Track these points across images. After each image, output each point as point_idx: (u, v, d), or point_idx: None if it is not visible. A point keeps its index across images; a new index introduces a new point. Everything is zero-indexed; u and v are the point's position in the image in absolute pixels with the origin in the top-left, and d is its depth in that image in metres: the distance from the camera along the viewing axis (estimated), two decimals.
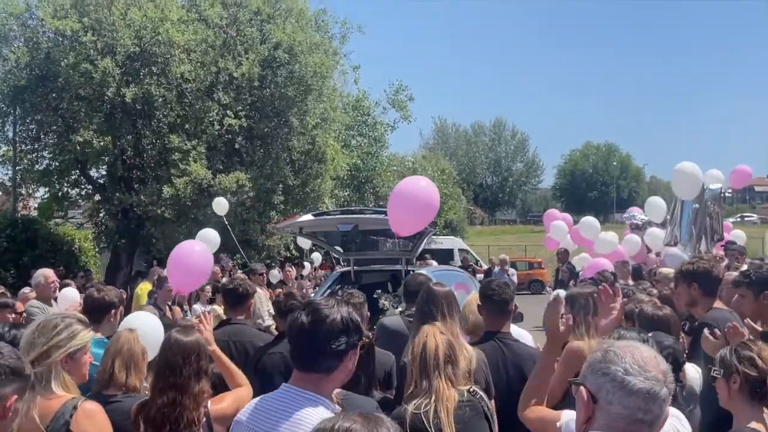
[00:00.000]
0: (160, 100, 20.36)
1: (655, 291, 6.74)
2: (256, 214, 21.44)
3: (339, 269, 10.58)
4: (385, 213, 8.00)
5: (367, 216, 9.10)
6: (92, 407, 3.25)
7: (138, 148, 21.66)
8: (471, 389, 3.64)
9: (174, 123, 20.55)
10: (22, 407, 2.58)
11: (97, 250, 25.29)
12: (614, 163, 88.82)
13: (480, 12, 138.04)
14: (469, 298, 5.34)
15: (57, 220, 24.14)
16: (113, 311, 5.20)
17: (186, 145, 19.98)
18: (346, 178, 31.74)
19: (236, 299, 5.82)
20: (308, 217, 9.22)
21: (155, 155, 21.17)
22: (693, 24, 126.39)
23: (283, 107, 20.81)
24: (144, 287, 11.57)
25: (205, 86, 20.85)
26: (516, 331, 5.04)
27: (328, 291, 9.21)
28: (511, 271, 23.14)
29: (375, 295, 7.90)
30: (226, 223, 16.92)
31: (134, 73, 20.64)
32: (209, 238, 12.77)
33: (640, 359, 2.06)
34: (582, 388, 2.11)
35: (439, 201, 7.78)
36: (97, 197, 23.16)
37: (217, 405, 3.66)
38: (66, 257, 22.17)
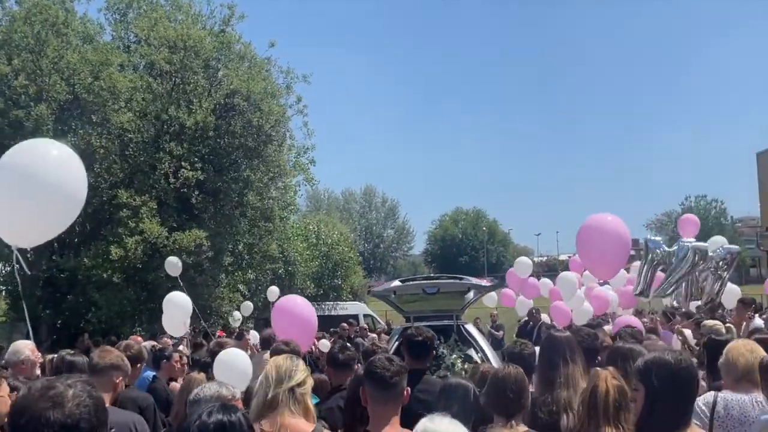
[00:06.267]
0: (101, 151, 18.19)
1: None
2: (210, 277, 19.39)
3: (401, 326, 11.34)
4: (459, 278, 10.31)
5: (445, 281, 10.70)
6: None
7: None
8: None
9: (118, 177, 18.37)
10: None
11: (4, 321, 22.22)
12: (483, 228, 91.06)
13: (340, 76, 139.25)
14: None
15: None
16: None
17: (135, 200, 17.84)
18: None
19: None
20: (397, 283, 10.72)
21: (92, 213, 18.76)
22: (553, 96, 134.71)
23: (241, 158, 19.19)
24: None
25: (150, 137, 18.90)
26: None
27: (396, 343, 10.02)
28: None
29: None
30: (182, 285, 15.12)
31: (69, 121, 18.40)
32: (180, 302, 11.21)
33: None
34: None
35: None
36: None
37: None
38: None
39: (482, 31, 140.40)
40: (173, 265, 15.05)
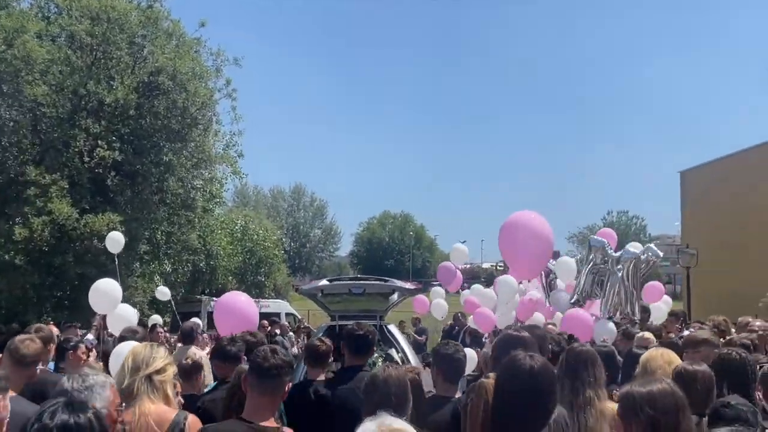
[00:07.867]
0: (11, 125, 16.92)
1: None
2: (123, 265, 18.22)
3: (326, 323, 11.55)
4: (384, 280, 10.66)
5: (372, 282, 10.99)
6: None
7: None
8: None
9: (28, 154, 17.09)
10: None
11: None
12: (410, 233, 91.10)
13: (272, 70, 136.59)
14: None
15: None
16: None
17: (45, 178, 16.62)
18: None
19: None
20: (325, 282, 10.96)
21: None
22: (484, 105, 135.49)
23: (163, 141, 18.15)
24: None
25: (66, 112, 17.67)
26: None
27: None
28: None
29: None
30: (117, 263, 14.21)
31: None
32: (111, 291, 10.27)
33: None
34: None
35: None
36: None
37: None
38: None
39: (412, 31, 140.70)
40: (115, 240, 14.02)
